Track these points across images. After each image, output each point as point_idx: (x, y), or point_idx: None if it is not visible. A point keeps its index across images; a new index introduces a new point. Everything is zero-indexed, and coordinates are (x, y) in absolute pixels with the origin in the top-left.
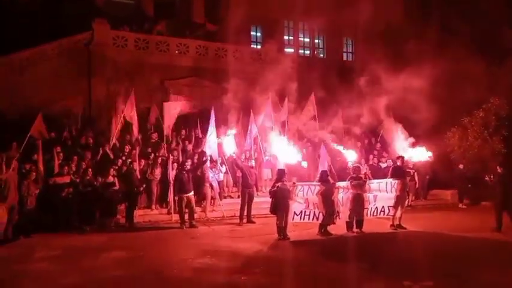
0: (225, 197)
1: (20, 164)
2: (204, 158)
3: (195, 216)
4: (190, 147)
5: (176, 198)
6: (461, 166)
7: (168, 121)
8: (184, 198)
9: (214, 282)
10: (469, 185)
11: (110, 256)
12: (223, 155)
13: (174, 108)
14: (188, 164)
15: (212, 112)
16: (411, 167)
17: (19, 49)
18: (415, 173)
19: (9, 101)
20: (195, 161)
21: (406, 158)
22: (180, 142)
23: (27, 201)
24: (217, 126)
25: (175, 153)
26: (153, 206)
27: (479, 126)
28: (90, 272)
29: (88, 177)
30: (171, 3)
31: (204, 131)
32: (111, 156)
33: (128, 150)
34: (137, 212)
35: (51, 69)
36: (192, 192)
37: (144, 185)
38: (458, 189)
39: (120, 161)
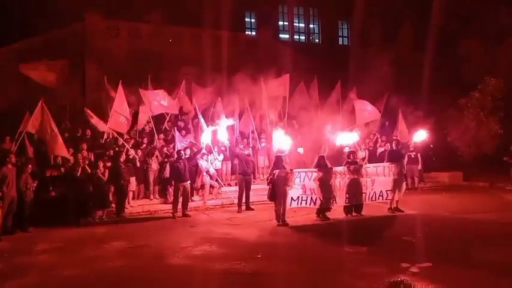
0: (223, 185)
1: (15, 157)
2: (200, 147)
3: (194, 205)
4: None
5: (172, 187)
6: None
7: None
8: (181, 187)
9: (216, 268)
10: None
11: (111, 247)
12: (220, 143)
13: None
14: (185, 153)
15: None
16: (412, 149)
17: (11, 41)
18: (418, 155)
19: (1, 93)
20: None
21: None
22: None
23: (26, 194)
24: (214, 115)
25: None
26: (151, 196)
27: (475, 108)
28: (93, 263)
29: (83, 168)
30: None
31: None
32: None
33: (120, 143)
34: (135, 202)
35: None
36: (188, 181)
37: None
38: None
39: (112, 152)
